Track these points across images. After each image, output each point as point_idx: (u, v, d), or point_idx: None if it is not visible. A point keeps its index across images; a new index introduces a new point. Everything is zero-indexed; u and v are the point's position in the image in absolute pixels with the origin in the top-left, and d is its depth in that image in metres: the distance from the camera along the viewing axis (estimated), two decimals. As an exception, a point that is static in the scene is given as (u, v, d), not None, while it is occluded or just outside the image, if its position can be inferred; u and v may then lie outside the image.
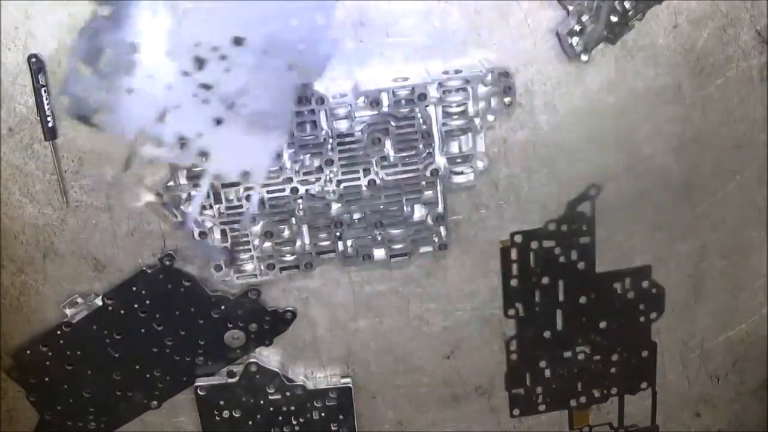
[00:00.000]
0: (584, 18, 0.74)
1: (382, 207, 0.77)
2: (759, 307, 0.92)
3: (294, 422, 0.87)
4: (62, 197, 0.76)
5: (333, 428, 0.88)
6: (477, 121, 0.75)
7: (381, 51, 0.73)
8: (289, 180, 0.75)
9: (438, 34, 0.73)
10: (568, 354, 0.89)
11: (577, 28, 0.74)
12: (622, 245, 0.85)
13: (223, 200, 0.75)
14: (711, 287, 0.90)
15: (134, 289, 0.80)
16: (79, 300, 0.80)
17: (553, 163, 0.80)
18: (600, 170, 0.81)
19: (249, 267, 0.79)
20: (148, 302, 0.80)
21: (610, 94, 0.78)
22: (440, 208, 0.78)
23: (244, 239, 0.78)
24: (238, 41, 0.66)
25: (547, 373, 0.90)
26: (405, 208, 0.78)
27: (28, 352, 0.81)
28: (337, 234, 0.78)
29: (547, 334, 0.87)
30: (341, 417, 0.88)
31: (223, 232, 0.77)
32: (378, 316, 0.85)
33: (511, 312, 0.86)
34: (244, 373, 0.84)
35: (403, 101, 0.73)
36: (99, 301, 0.80)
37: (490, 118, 0.75)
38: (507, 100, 0.74)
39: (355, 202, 0.77)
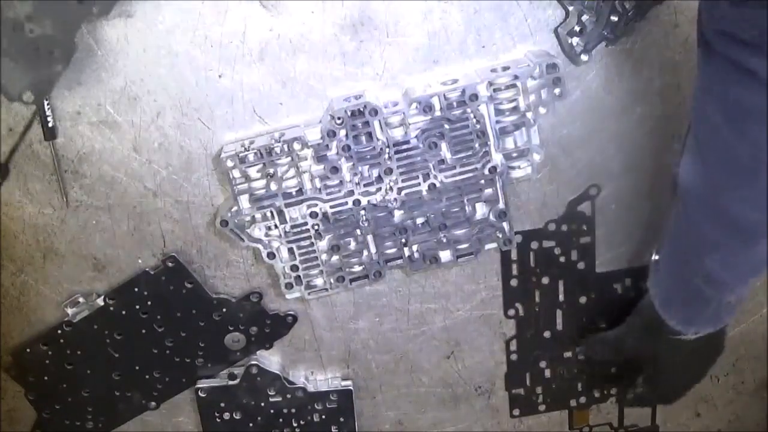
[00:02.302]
0: (584, 18, 0.74)
1: (444, 209, 0.78)
2: (759, 307, 0.92)
3: (294, 424, 0.87)
4: (62, 197, 0.76)
5: (333, 430, 0.88)
6: (529, 115, 0.75)
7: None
8: (351, 193, 0.76)
9: (438, 34, 0.73)
10: (568, 354, 0.89)
11: (577, 28, 0.74)
12: (622, 245, 0.85)
13: (288, 219, 0.76)
14: (711, 287, 0.90)
15: (136, 289, 0.79)
16: (81, 299, 0.80)
17: (554, 163, 0.80)
18: (600, 170, 0.81)
19: (319, 282, 0.80)
20: (149, 303, 0.80)
21: (610, 94, 0.78)
22: (501, 205, 0.78)
23: (312, 255, 0.78)
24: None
25: (547, 373, 0.90)
26: (467, 208, 0.78)
27: (28, 350, 0.81)
28: (403, 240, 0.79)
29: (547, 334, 0.87)
30: (342, 419, 0.88)
31: (290, 251, 0.78)
32: (378, 316, 0.85)
33: (511, 312, 0.86)
34: (245, 375, 0.84)
35: (455, 103, 0.73)
36: (100, 301, 0.80)
37: (542, 110, 0.75)
38: (557, 91, 0.74)
39: (417, 207, 0.78)
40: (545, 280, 0.85)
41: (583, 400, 0.92)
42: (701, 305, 0.68)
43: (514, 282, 0.85)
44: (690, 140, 0.63)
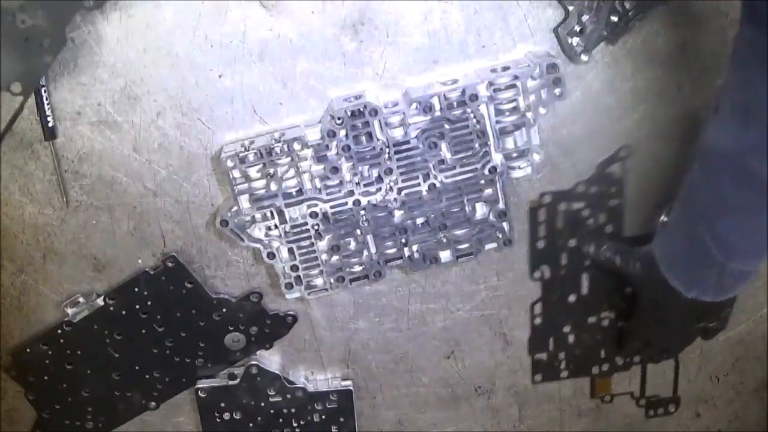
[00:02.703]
0: (584, 18, 0.74)
1: (444, 209, 0.78)
2: (759, 307, 0.92)
3: (294, 424, 0.87)
4: (62, 197, 0.76)
5: (333, 430, 0.88)
6: (529, 115, 0.75)
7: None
8: (351, 193, 0.76)
9: (438, 34, 0.73)
10: (592, 319, 0.88)
11: (577, 28, 0.74)
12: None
13: (288, 219, 0.76)
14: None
15: (136, 289, 0.79)
16: (81, 299, 0.80)
17: (554, 163, 0.80)
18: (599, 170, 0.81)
19: (319, 282, 0.80)
20: (149, 303, 0.80)
21: (610, 94, 0.78)
22: (501, 205, 0.78)
23: (312, 255, 0.78)
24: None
25: (571, 338, 0.88)
26: (467, 208, 0.78)
27: (28, 350, 0.81)
28: (403, 240, 0.79)
29: (572, 298, 0.86)
30: (342, 419, 0.88)
31: (290, 251, 0.78)
32: (378, 316, 0.85)
33: (537, 274, 0.85)
34: (245, 375, 0.84)
35: (455, 103, 0.73)
36: (101, 301, 0.80)
37: (542, 110, 0.75)
38: (557, 91, 0.74)
39: (417, 207, 0.78)
40: (572, 243, 0.83)
41: (605, 367, 0.90)
42: (706, 269, 0.68)
43: (540, 243, 0.83)
44: (724, 101, 0.62)
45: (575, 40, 0.74)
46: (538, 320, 0.87)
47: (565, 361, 0.90)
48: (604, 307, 0.87)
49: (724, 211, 0.64)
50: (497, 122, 0.74)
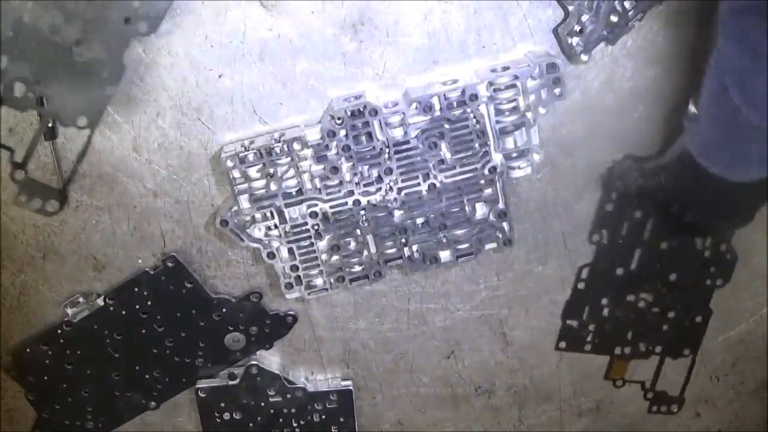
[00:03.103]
0: (584, 18, 0.74)
1: (444, 209, 0.78)
2: (759, 307, 0.92)
3: (294, 424, 0.87)
4: (62, 197, 0.76)
5: (333, 430, 0.88)
6: (529, 115, 0.75)
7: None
8: (351, 193, 0.76)
9: (438, 34, 0.73)
10: (630, 298, 0.88)
11: (577, 28, 0.74)
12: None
13: (288, 219, 0.76)
14: (711, 287, 0.90)
15: (136, 289, 0.79)
16: (81, 299, 0.80)
17: (554, 163, 0.80)
18: (600, 169, 0.81)
19: (318, 282, 0.80)
20: (149, 303, 0.80)
21: (610, 94, 0.78)
22: (501, 205, 0.78)
23: (312, 255, 0.78)
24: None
25: (605, 311, 0.88)
26: (467, 208, 0.78)
27: (28, 350, 0.81)
28: (402, 240, 0.79)
29: (619, 271, 0.86)
30: (342, 419, 0.88)
31: (290, 251, 0.78)
32: (378, 316, 0.85)
33: (596, 237, 0.84)
34: (245, 375, 0.84)
35: (455, 103, 0.73)
36: (101, 301, 0.80)
37: (542, 110, 0.75)
38: (557, 91, 0.74)
39: (417, 207, 0.78)
40: (638, 215, 0.83)
41: (627, 350, 0.90)
42: (745, 142, 0.66)
43: (609, 206, 0.83)
44: None
45: (575, 40, 0.74)
46: (581, 285, 0.87)
47: (592, 334, 0.89)
48: (645, 288, 0.87)
49: (756, 69, 0.62)
50: (497, 122, 0.75)
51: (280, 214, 0.76)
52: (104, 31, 0.67)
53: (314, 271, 0.79)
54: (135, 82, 0.71)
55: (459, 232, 0.79)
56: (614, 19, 0.74)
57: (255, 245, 0.77)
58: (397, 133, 0.74)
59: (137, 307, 0.80)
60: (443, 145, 0.75)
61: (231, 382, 0.85)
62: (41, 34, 0.64)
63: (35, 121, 0.72)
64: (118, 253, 0.79)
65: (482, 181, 0.77)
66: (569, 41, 0.74)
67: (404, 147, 0.75)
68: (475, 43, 0.74)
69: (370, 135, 0.73)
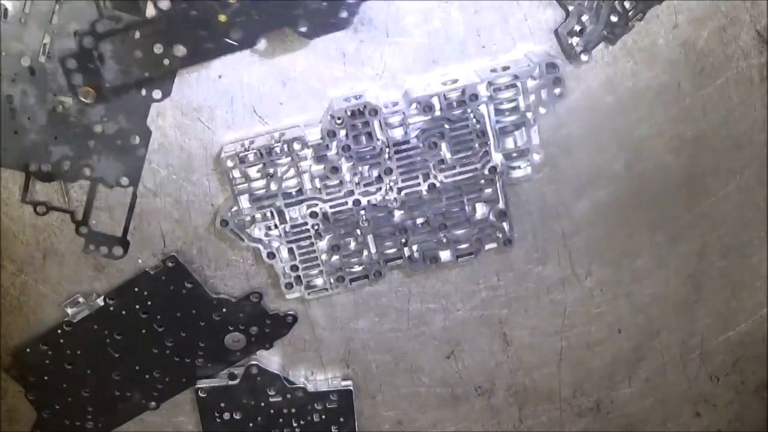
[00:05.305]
0: (584, 18, 0.74)
1: (444, 209, 0.78)
2: (759, 307, 0.92)
3: (294, 424, 0.87)
4: (62, 197, 0.76)
5: (333, 430, 0.88)
6: (529, 115, 0.75)
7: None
8: (351, 193, 0.76)
9: (438, 34, 0.73)
10: None
11: (577, 28, 0.74)
12: (622, 245, 0.85)
13: (288, 219, 0.76)
14: (711, 287, 0.90)
15: (136, 289, 0.79)
16: (81, 299, 0.80)
17: (554, 163, 0.80)
18: (600, 170, 0.81)
19: (319, 282, 0.80)
20: (149, 303, 0.80)
21: (610, 94, 0.78)
22: (501, 205, 0.78)
23: (312, 255, 0.78)
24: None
25: None
26: (467, 208, 0.78)
27: (28, 350, 0.81)
28: (403, 240, 0.79)
29: None
30: (342, 419, 0.87)
31: (290, 251, 0.78)
32: (378, 316, 0.85)
33: None
34: (245, 375, 0.84)
35: (455, 103, 0.73)
36: (101, 301, 0.80)
37: (542, 110, 0.75)
38: (557, 91, 0.74)
39: (417, 207, 0.78)
40: None
41: None
42: None
43: None
44: None
45: (575, 40, 0.74)
46: None
47: None
48: None
49: None
50: (497, 122, 0.75)
51: (280, 214, 0.76)
52: (124, 104, 0.72)
53: (314, 271, 0.79)
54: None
55: (459, 232, 0.79)
56: (614, 19, 0.74)
57: (255, 245, 0.77)
58: (397, 133, 0.74)
59: (137, 307, 0.80)
60: (443, 145, 0.75)
61: (231, 382, 0.85)
62: (70, 119, 0.72)
63: (86, 184, 0.75)
64: (118, 253, 0.79)
65: (482, 181, 0.77)
66: (569, 41, 0.74)
67: (404, 147, 0.75)
68: (475, 43, 0.74)
69: (370, 135, 0.73)
